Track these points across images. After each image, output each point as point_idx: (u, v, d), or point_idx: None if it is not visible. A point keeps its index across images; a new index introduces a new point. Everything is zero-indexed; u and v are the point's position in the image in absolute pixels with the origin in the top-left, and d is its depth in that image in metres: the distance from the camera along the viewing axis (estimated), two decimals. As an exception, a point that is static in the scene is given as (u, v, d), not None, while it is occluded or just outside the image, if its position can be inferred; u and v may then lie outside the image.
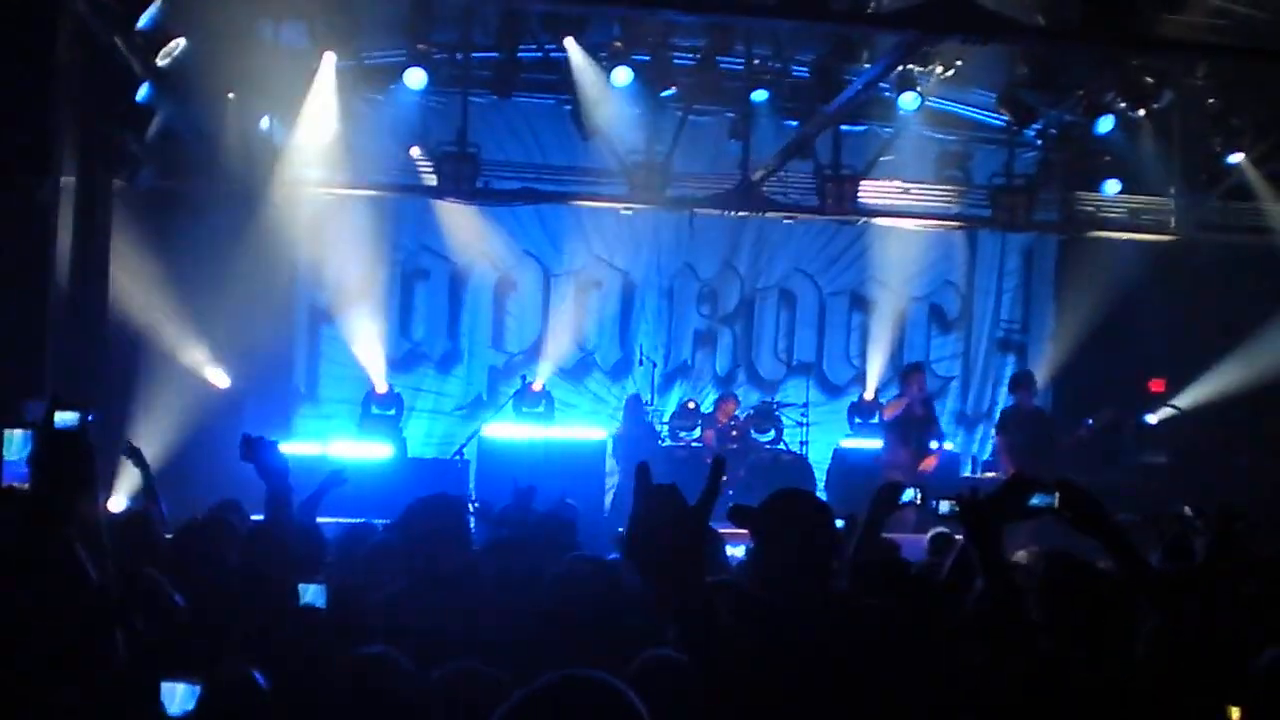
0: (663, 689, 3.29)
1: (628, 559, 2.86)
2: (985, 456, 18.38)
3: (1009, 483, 4.66)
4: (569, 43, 15.17)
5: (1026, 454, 14.21)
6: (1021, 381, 15.35)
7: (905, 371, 15.62)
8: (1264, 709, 4.14)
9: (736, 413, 16.91)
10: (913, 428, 14.83)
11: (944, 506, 5.16)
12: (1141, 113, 15.95)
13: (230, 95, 14.62)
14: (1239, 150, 16.33)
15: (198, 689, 3.68)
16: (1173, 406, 16.83)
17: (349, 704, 3.65)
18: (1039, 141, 17.64)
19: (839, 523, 6.46)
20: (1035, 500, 4.69)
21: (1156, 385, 17.19)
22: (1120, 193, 16.91)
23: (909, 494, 6.22)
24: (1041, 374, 18.93)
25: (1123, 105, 15.97)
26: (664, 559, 2.87)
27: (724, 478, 3.01)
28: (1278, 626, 4.84)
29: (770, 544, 4.63)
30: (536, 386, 16.88)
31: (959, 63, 15.64)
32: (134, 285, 14.10)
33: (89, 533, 4.17)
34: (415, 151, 16.21)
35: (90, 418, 4.47)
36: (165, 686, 3.67)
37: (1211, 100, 16.09)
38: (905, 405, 14.87)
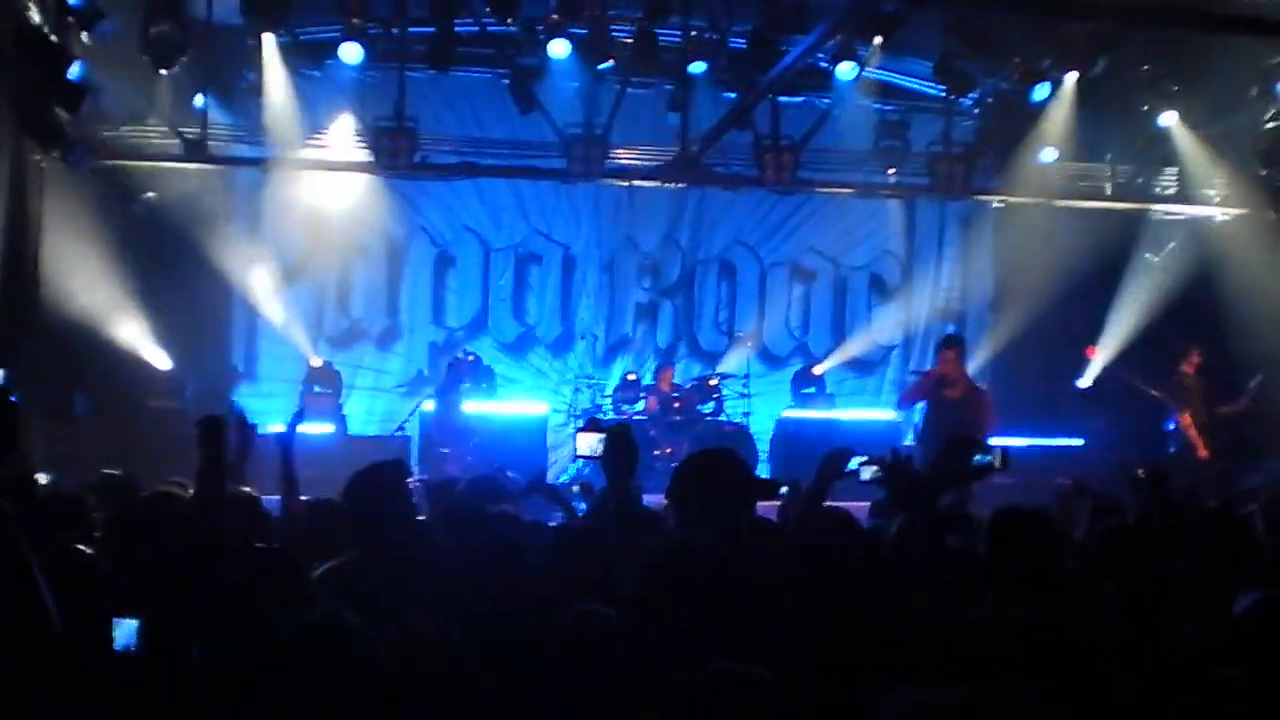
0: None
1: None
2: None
3: (947, 446, 4.69)
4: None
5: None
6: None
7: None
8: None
9: (676, 380, 16.96)
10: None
11: (866, 473, 5.15)
12: (1076, 78, 16.01)
13: (163, 72, 14.46)
14: (1172, 113, 16.48)
15: (138, 623, 3.79)
16: (1108, 370, 17.00)
17: (300, 663, 3.63)
18: (976, 110, 17.72)
19: (782, 489, 6.52)
20: (977, 460, 4.72)
21: (1093, 351, 17.34)
22: (1056, 160, 16.97)
23: (856, 461, 6.20)
24: (982, 340, 19.12)
25: (1059, 73, 16.04)
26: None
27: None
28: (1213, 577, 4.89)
29: (682, 500, 4.70)
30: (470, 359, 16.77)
31: (896, 32, 15.66)
32: (69, 264, 13.97)
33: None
34: (352, 127, 16.09)
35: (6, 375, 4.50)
36: (114, 621, 3.79)
37: (1145, 66, 16.18)
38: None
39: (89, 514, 6.32)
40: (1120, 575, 4.98)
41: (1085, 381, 17.33)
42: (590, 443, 4.91)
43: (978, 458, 4.72)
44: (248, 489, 6.26)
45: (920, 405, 13.68)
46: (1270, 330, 15.27)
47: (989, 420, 12.96)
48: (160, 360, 15.32)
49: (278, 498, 6.73)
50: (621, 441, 4.99)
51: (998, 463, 4.81)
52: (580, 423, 4.47)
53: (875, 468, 4.86)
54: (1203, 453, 14.45)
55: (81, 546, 4.79)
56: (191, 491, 5.61)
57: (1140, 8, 12.96)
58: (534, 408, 16.68)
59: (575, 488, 10.23)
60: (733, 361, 18.28)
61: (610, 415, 16.65)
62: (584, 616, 3.97)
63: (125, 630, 3.84)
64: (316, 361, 16.73)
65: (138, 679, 3.83)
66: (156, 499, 5.95)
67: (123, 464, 8.21)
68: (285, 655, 3.67)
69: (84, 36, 13.28)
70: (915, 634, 3.74)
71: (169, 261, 15.04)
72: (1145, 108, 16.73)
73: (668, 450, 16.11)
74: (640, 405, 16.78)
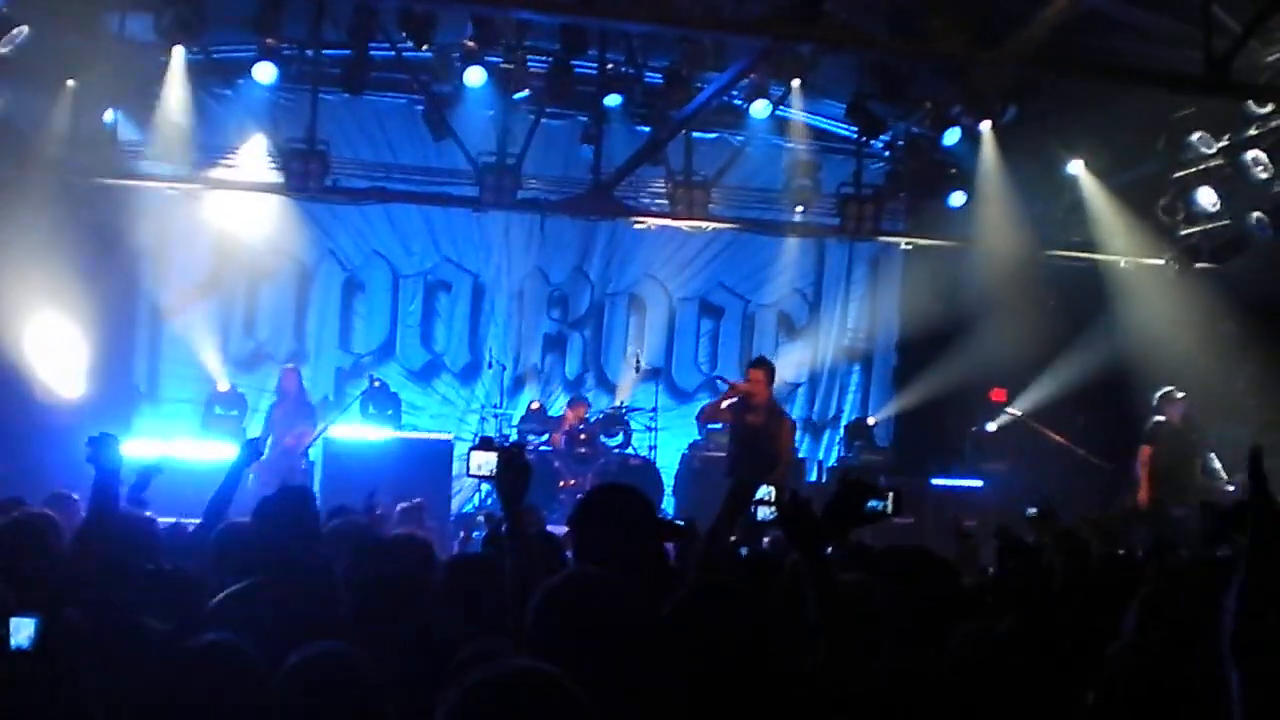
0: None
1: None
2: (830, 463, 18.63)
3: (842, 488, 4.70)
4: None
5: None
6: (1167, 398, 15.03)
7: None
8: (1117, 693, 4.22)
9: (587, 415, 16.94)
10: None
11: (762, 512, 5.15)
12: (988, 125, 16.22)
13: (70, 83, 14.28)
14: (1079, 161, 16.75)
15: (37, 620, 3.75)
16: (1010, 414, 17.21)
17: (191, 693, 3.57)
18: (887, 153, 17.91)
19: (679, 522, 6.52)
20: (871, 505, 4.73)
21: (998, 395, 17.54)
22: (965, 204, 17.17)
23: (763, 491, 6.21)
24: (885, 382, 19.30)
25: (969, 118, 16.25)
26: None
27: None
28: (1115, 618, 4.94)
29: (584, 534, 4.68)
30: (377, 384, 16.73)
31: (810, 73, 15.81)
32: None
33: None
34: (263, 147, 15.96)
35: None
36: (12, 621, 3.75)
37: (1054, 114, 16.43)
38: None
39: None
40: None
41: (992, 426, 17.52)
42: (482, 460, 4.85)
43: (871, 503, 4.72)
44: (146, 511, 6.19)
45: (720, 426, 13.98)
46: (1164, 378, 15.49)
47: (787, 449, 13.25)
48: (60, 375, 15.07)
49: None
50: (515, 460, 4.92)
51: (889, 508, 4.82)
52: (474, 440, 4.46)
53: (771, 508, 4.87)
54: (1143, 496, 14.55)
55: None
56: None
57: (1048, 59, 13.17)
58: (439, 435, 16.61)
59: (480, 517, 10.24)
60: (628, 386, 18.18)
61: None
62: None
63: (23, 628, 3.79)
64: (224, 385, 16.56)
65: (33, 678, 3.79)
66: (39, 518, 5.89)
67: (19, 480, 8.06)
68: (172, 678, 3.62)
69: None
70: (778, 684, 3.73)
71: (73, 277, 14.79)
72: (1053, 155, 16.98)
73: (571, 482, 16.08)
74: (545, 436, 16.73)
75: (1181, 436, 14.95)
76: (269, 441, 14.84)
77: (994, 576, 6.74)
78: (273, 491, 5.67)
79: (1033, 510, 7.33)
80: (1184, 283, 16.86)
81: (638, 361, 17.77)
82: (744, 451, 12.87)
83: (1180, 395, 14.97)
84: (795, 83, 15.97)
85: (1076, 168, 16.88)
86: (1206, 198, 16.33)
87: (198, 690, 3.59)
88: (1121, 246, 17.34)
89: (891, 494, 4.71)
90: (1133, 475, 14.85)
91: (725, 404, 13.29)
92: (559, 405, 17.60)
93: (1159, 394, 15.03)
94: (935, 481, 16.32)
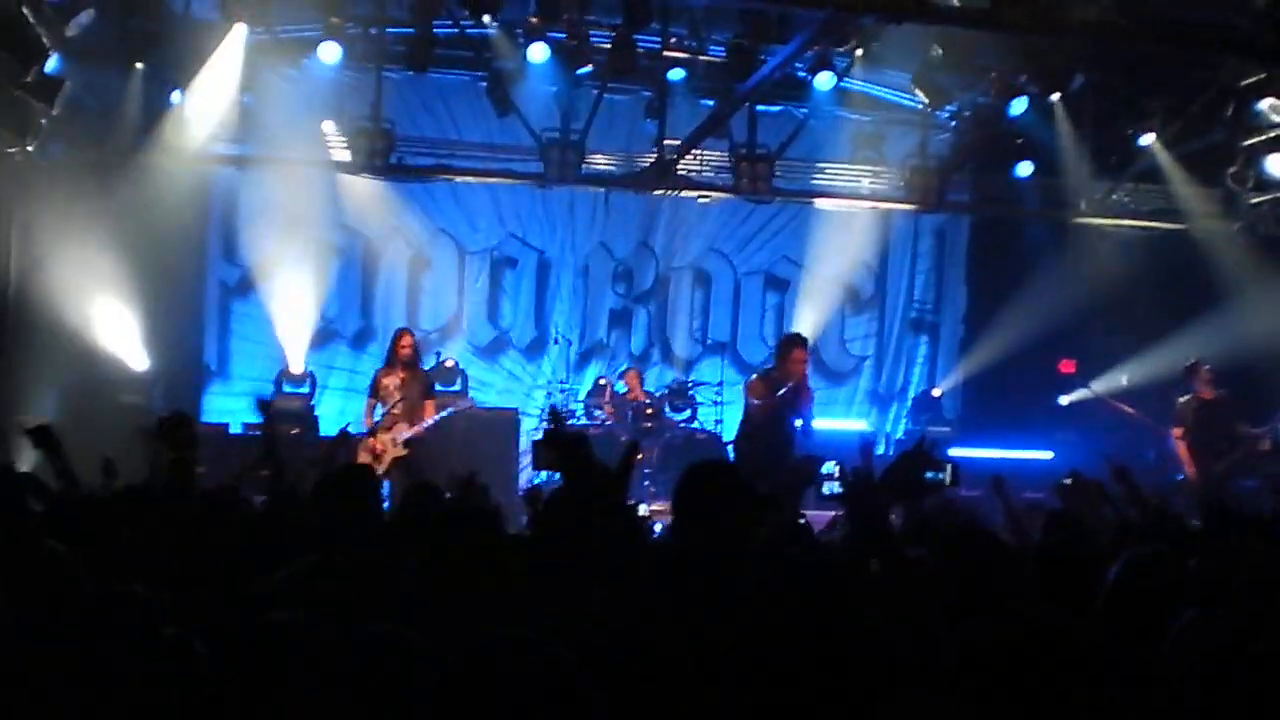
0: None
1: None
2: (898, 436, 18.57)
3: (902, 458, 4.69)
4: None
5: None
6: (1193, 371, 14.85)
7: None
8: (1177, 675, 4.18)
9: (647, 388, 16.97)
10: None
11: (827, 488, 5.17)
12: (1055, 95, 16.05)
13: (139, 66, 14.40)
14: (1149, 132, 16.52)
15: None
16: (1086, 390, 17.04)
17: (267, 669, 3.61)
18: (953, 123, 17.75)
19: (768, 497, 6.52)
20: (928, 476, 4.72)
21: (1067, 366, 17.40)
22: (1032, 175, 17.03)
23: (828, 467, 6.20)
24: (952, 354, 19.19)
25: (1036, 88, 16.08)
26: None
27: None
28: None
29: (687, 515, 4.63)
30: (449, 364, 16.80)
31: (874, 44, 15.69)
32: (41, 258, 13.90)
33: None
34: (329, 126, 16.06)
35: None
36: None
37: (1123, 83, 16.23)
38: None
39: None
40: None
41: (1065, 400, 17.39)
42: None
43: (930, 474, 4.71)
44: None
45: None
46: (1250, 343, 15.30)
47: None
48: (132, 357, 15.25)
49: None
50: (558, 438, 4.86)
51: (948, 479, 4.82)
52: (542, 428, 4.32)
53: (837, 483, 4.87)
54: (1190, 470, 14.42)
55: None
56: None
57: (1115, 27, 13.00)
58: (505, 412, 16.69)
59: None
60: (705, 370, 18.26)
61: (582, 419, 16.66)
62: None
63: None
64: (298, 368, 16.68)
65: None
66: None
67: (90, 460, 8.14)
68: (246, 654, 3.65)
69: (62, 29, 13.23)
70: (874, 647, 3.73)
71: (142, 257, 14.95)
72: (1121, 124, 16.78)
73: (639, 456, 16.07)
74: (599, 412, 16.77)
75: (1211, 409, 14.73)
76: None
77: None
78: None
79: (1066, 480, 7.28)
80: (1254, 251, 16.64)
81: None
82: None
83: (1206, 366, 14.78)
84: (860, 53, 15.86)
85: (1146, 138, 16.65)
86: (1276, 165, 16.14)
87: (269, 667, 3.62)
88: (1191, 215, 17.11)
89: (950, 466, 4.71)
90: (1173, 456, 14.75)
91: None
92: (622, 384, 17.62)
93: (1185, 367, 14.92)
94: (1004, 453, 16.22)
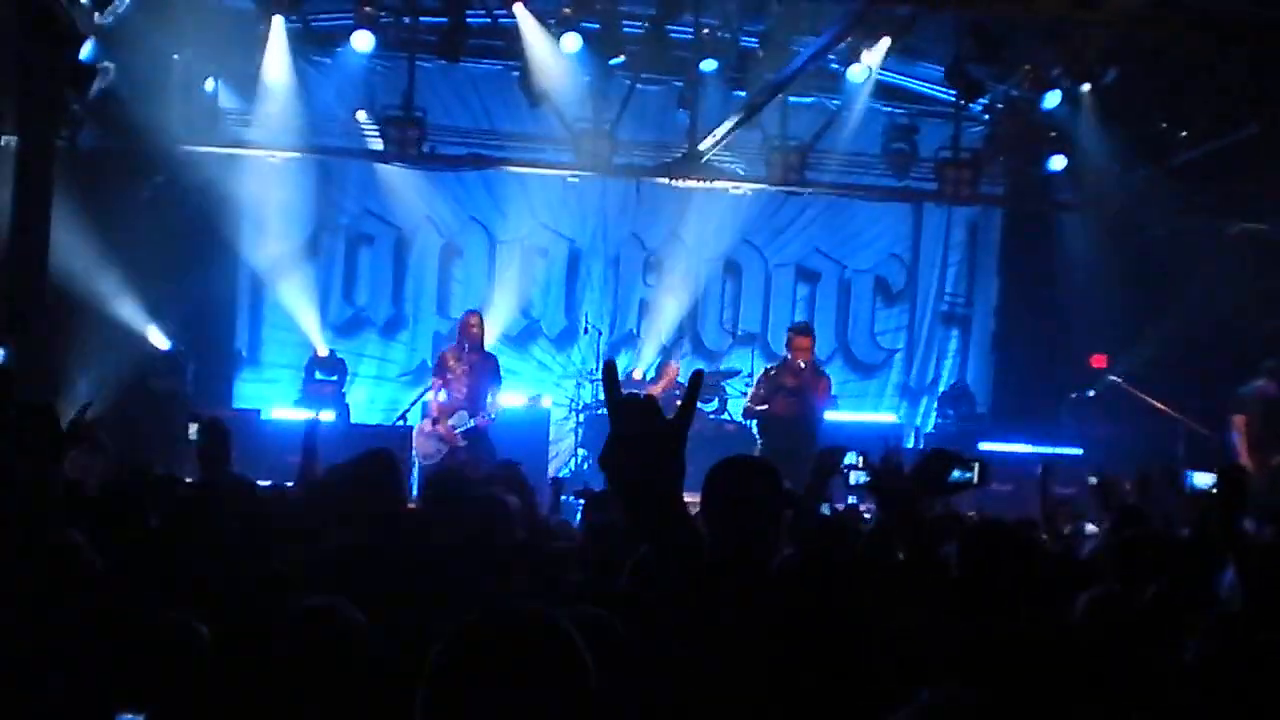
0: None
1: (602, 470, 2.72)
2: (928, 429, 18.51)
3: (929, 456, 4.67)
4: (518, 8, 15.14)
5: (1267, 445, 14.15)
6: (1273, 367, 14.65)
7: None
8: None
9: (679, 379, 16.95)
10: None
11: (854, 477, 5.15)
12: (1088, 88, 15.97)
13: (175, 56, 14.47)
14: (1183, 128, 16.41)
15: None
16: (1111, 380, 16.95)
17: (295, 655, 3.60)
18: (986, 116, 17.70)
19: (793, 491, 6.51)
20: (955, 475, 4.70)
21: (1099, 361, 17.32)
22: (1065, 168, 16.97)
23: (851, 457, 6.17)
24: (984, 348, 19.13)
25: (1069, 81, 16.01)
26: (640, 476, 2.72)
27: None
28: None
29: (717, 513, 4.62)
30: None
31: (907, 35, 15.66)
32: (75, 245, 13.97)
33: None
34: (361, 115, 16.12)
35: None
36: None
37: (1158, 77, 16.15)
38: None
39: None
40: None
41: (1092, 392, 17.30)
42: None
43: (956, 473, 4.69)
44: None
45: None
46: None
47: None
48: (162, 342, 15.35)
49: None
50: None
51: (975, 478, 4.80)
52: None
53: (864, 472, 4.85)
54: (1246, 461, 14.23)
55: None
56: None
57: (1150, 18, 12.94)
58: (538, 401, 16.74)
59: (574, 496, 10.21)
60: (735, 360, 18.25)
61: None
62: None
63: None
64: (323, 350, 16.76)
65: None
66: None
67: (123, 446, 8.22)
68: (275, 642, 3.65)
69: (96, 16, 13.28)
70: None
71: (175, 244, 15.02)
72: (1155, 118, 16.68)
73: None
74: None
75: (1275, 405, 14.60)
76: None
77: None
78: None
79: (1093, 479, 7.26)
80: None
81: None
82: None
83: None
84: (890, 44, 15.81)
85: (1174, 130, 16.53)
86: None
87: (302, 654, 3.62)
88: (1221, 209, 16.99)
89: (977, 464, 4.69)
90: (1230, 445, 14.59)
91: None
92: (653, 370, 17.62)
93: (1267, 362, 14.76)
94: (1033, 448, 16.14)
